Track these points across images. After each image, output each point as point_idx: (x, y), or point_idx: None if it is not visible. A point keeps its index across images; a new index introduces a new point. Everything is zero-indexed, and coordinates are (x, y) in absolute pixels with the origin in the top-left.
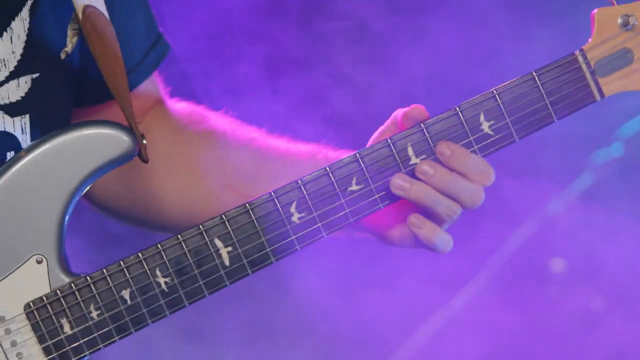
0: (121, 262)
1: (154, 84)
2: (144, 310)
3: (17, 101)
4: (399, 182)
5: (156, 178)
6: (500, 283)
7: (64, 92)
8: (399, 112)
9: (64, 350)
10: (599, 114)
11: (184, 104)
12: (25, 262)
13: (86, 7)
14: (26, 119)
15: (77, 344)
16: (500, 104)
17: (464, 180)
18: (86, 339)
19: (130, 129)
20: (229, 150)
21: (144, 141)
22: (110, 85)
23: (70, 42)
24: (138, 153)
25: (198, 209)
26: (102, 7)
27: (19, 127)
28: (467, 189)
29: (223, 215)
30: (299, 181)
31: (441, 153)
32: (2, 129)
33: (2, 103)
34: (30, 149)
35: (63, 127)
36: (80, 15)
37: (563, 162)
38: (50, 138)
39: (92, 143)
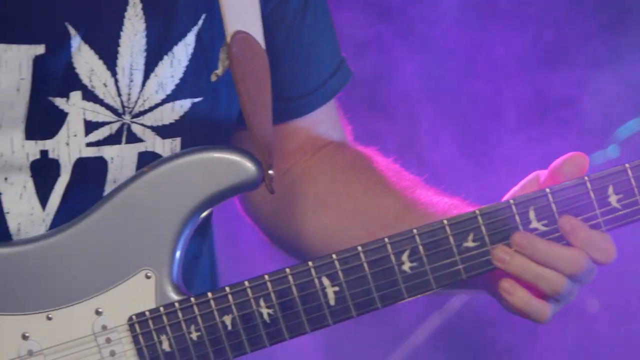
0: (226, 288)
1: (329, 114)
2: (244, 338)
3: (170, 124)
4: (500, 254)
5: (309, 214)
6: None
7: (220, 117)
8: (543, 172)
9: None
10: (595, 117)
11: (358, 146)
12: (134, 275)
13: (237, 33)
14: (177, 141)
15: None
16: (631, 179)
17: (558, 248)
18: (183, 358)
19: (254, 157)
20: (378, 197)
21: (270, 172)
22: (244, 111)
23: (222, 66)
24: (263, 183)
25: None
26: (258, 34)
27: (168, 149)
28: (562, 256)
29: (334, 255)
30: (414, 230)
31: (561, 227)
32: (152, 150)
33: (154, 125)
34: (153, 166)
35: (188, 149)
36: (228, 39)
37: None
38: (174, 158)
39: (215, 167)
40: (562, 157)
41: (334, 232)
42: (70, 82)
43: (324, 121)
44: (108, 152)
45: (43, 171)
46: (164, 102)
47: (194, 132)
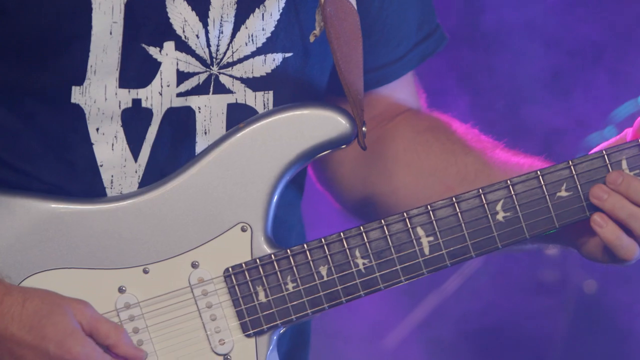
0: (322, 239)
1: (409, 82)
2: (339, 288)
3: (262, 76)
4: (597, 192)
5: (389, 172)
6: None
7: (312, 75)
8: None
9: (257, 316)
10: (593, 99)
11: (435, 112)
12: (230, 229)
13: None
14: (269, 95)
15: (269, 311)
16: None
17: None
18: (279, 308)
19: (349, 114)
20: (457, 155)
21: (364, 129)
22: (338, 68)
23: (319, 26)
24: (356, 139)
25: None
26: None
27: (260, 102)
28: None
29: (428, 206)
30: (508, 181)
31: None
32: (243, 102)
33: (244, 76)
34: (250, 122)
35: (285, 105)
36: (322, 0)
37: (557, 146)
38: (271, 114)
39: (309, 122)
40: None
41: (413, 189)
42: (164, 31)
43: (404, 88)
44: (195, 101)
45: (133, 121)
46: (254, 54)
47: (286, 87)
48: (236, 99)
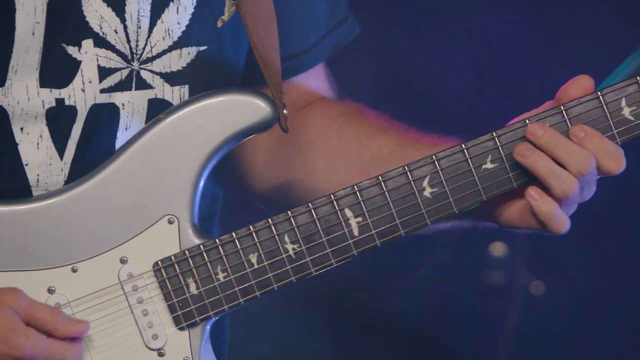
0: (251, 227)
1: (321, 72)
2: (270, 275)
3: (178, 71)
4: (521, 149)
5: (303, 160)
6: None
7: (227, 67)
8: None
9: (189, 309)
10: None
11: (346, 100)
12: (157, 222)
13: None
14: (185, 89)
15: (201, 303)
16: None
17: (573, 145)
18: (211, 299)
19: (269, 98)
20: (370, 139)
21: (285, 111)
22: (256, 51)
23: (228, 11)
24: (277, 122)
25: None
26: None
27: (177, 96)
28: (574, 152)
29: (355, 186)
30: (433, 156)
31: (575, 134)
32: (161, 97)
33: (162, 71)
34: (170, 112)
35: (204, 93)
36: None
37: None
38: (191, 102)
39: (230, 109)
40: (568, 81)
41: (328, 175)
42: (82, 29)
43: (316, 78)
44: (119, 98)
45: (58, 119)
46: (171, 48)
47: (202, 80)
48: (156, 94)
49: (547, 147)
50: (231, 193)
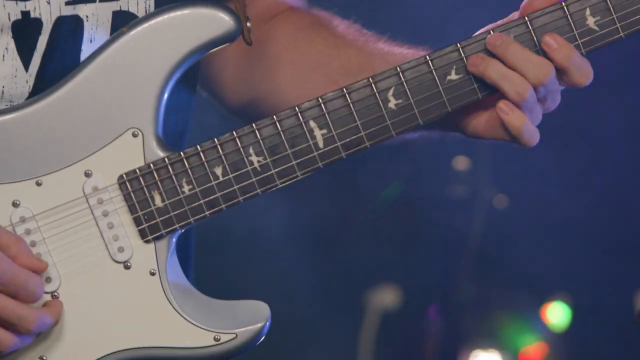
0: (215, 140)
1: None
2: (235, 187)
3: None
4: (473, 59)
5: (272, 72)
6: None
7: None
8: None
9: (154, 222)
10: None
11: (315, 9)
12: (121, 135)
13: None
14: (151, 1)
15: (167, 216)
16: (607, 0)
17: (530, 53)
18: (176, 212)
19: (232, 10)
20: (340, 49)
21: (248, 24)
22: None
23: None
24: (241, 34)
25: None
26: None
27: (142, 8)
28: (532, 60)
29: (319, 98)
30: (398, 68)
31: (547, 44)
32: (126, 9)
33: None
34: (132, 26)
35: (167, 6)
36: None
37: None
38: (154, 15)
39: (194, 21)
40: None
41: (297, 86)
42: None
43: None
44: (83, 10)
45: (24, 31)
46: None
47: None
48: (120, 7)
49: (503, 56)
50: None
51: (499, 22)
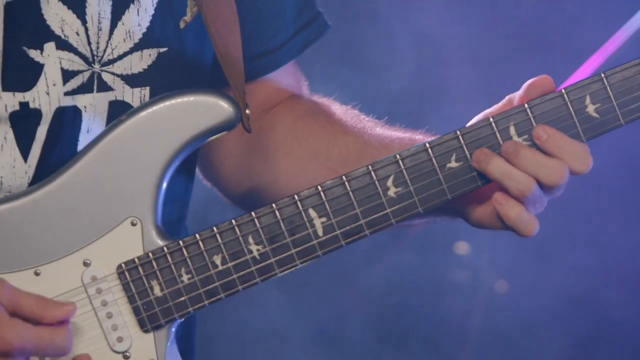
0: (214, 228)
1: (291, 70)
2: (235, 276)
3: (139, 73)
4: (476, 155)
5: (271, 162)
6: None
7: (189, 68)
8: (515, 94)
9: (153, 311)
10: None
11: (315, 96)
12: (120, 224)
13: None
14: (146, 91)
15: (166, 305)
16: (608, 87)
17: (541, 156)
18: (176, 301)
19: (231, 97)
20: (338, 137)
21: (247, 111)
22: (217, 51)
23: (190, 12)
24: (240, 122)
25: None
26: None
27: (137, 98)
28: (545, 164)
29: (319, 186)
30: (397, 155)
31: (537, 137)
32: (121, 99)
33: (123, 73)
34: (131, 114)
35: (164, 94)
36: None
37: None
38: (153, 103)
39: (192, 110)
40: (530, 80)
41: (296, 176)
42: (43, 33)
43: (284, 77)
44: (81, 100)
45: (23, 122)
46: (132, 50)
47: (163, 82)
48: (116, 96)
49: (515, 162)
50: (203, 198)
51: (496, 107)
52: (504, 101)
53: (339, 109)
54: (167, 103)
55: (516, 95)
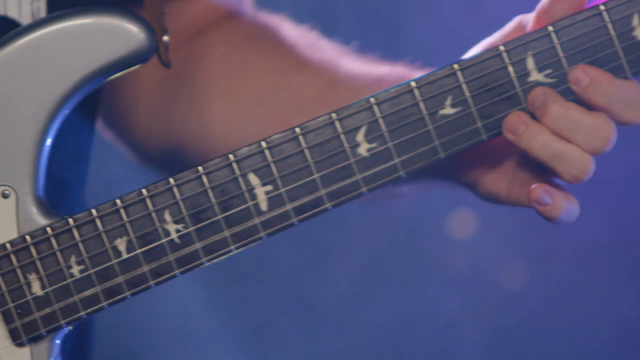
0: (117, 201)
1: None
2: (145, 268)
3: None
4: (512, 123)
5: (198, 107)
6: None
7: None
8: (527, 16)
9: (31, 317)
10: None
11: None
12: None
13: None
14: (41, 2)
15: (49, 309)
16: None
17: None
18: (62, 303)
19: (143, 19)
20: (290, 74)
21: (165, 38)
22: None
23: None
24: (156, 53)
25: None
26: None
27: (28, 11)
28: (586, 123)
29: (262, 142)
30: (372, 99)
31: (575, 82)
32: (3, 13)
33: None
34: (6, 40)
35: (57, 13)
36: None
37: None
38: (36, 27)
39: (89, 37)
40: None
41: (233, 127)
42: None
43: None
44: None
45: None
46: None
47: None
48: None
49: (542, 119)
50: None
51: (505, 31)
52: (511, 25)
53: (291, 33)
54: (57, 27)
55: (529, 17)
